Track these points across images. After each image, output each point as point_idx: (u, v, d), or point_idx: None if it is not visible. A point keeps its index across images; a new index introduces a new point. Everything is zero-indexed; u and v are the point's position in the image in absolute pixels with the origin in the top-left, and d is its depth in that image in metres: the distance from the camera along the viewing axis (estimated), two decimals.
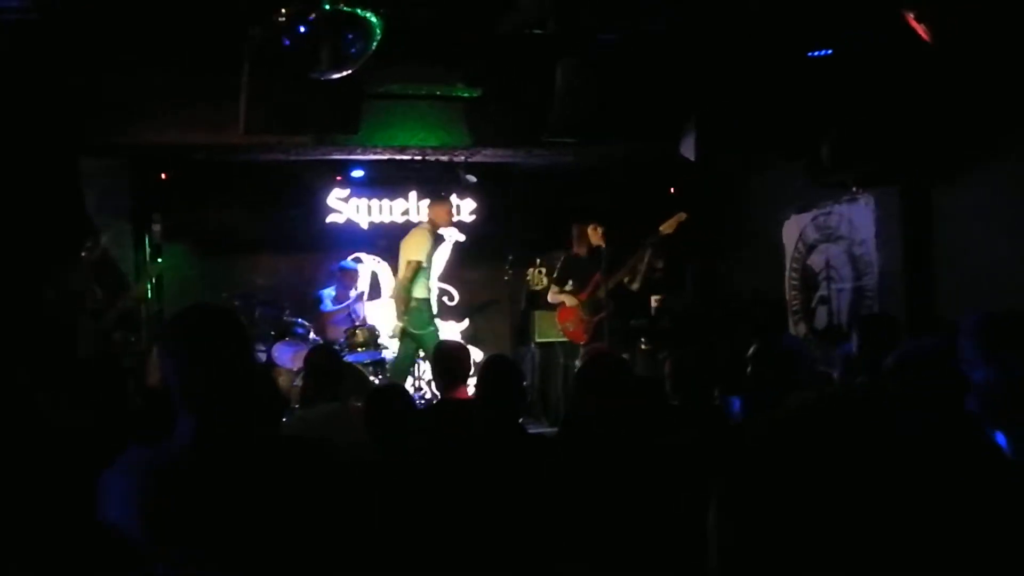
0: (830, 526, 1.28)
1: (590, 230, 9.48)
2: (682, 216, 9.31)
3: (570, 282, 9.60)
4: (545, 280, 11.21)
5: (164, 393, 2.66)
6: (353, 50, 6.27)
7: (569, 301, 9.54)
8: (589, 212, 9.70)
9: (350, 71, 6.45)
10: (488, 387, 4.73)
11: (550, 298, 9.86)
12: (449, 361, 5.93)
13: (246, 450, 2.52)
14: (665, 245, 9.59)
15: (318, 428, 5.15)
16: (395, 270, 11.54)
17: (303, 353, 9.54)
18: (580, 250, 9.64)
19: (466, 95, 8.56)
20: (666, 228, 9.32)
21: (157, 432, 2.54)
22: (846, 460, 1.34)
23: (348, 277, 10.63)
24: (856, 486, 1.35)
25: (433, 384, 7.43)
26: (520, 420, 4.84)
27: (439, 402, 6.72)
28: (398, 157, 9.38)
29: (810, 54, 7.37)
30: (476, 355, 10.23)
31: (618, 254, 9.27)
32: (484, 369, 4.93)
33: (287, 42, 6.18)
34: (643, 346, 10.19)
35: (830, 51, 7.32)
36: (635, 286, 9.54)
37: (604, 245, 9.38)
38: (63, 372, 5.07)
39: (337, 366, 5.76)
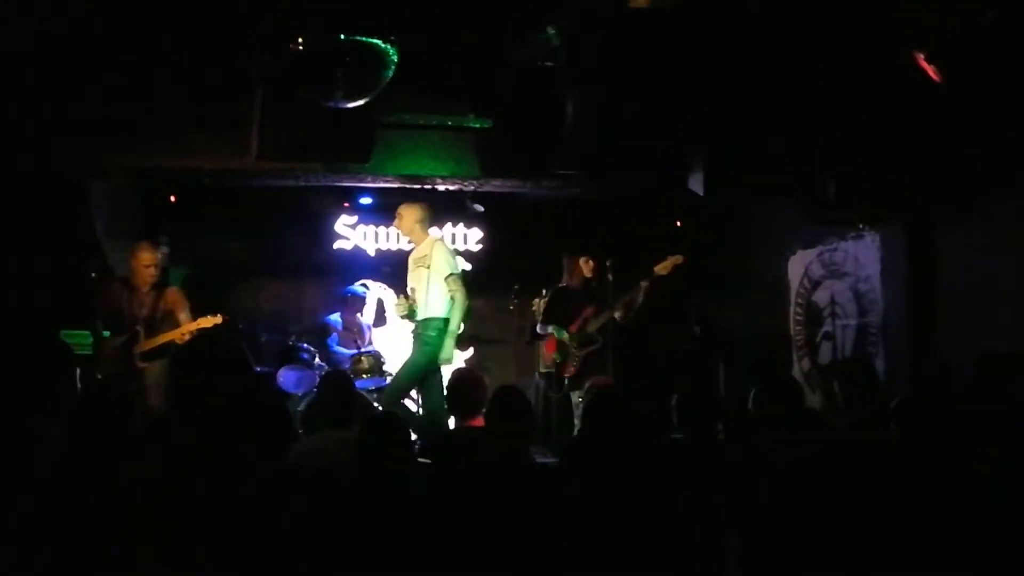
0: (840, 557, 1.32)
1: (581, 262, 9.46)
2: (679, 259, 9.17)
3: (558, 315, 9.53)
4: None
5: (164, 417, 2.71)
6: (368, 80, 6.34)
7: (558, 334, 9.49)
8: (592, 245, 9.71)
9: (365, 100, 6.52)
10: (497, 418, 4.74)
11: (538, 329, 9.80)
12: (466, 391, 5.97)
13: (243, 476, 2.56)
14: (660, 283, 9.48)
15: (328, 454, 5.17)
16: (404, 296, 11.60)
17: (308, 378, 9.60)
18: (571, 282, 9.58)
19: (476, 126, 8.61)
20: (661, 269, 9.18)
21: (155, 453, 2.58)
22: (863, 505, 1.38)
23: (355, 303, 10.65)
24: (873, 529, 1.39)
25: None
26: (528, 451, 4.86)
27: (453, 430, 6.77)
28: (407, 186, 9.41)
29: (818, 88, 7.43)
30: None
31: (614, 288, 9.21)
32: (493, 400, 4.95)
33: (302, 71, 6.25)
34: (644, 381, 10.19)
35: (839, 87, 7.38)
36: (626, 321, 9.38)
37: (594, 278, 9.38)
38: (67, 395, 5.11)
39: (348, 392, 5.79)
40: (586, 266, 9.44)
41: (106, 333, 7.86)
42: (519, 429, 4.64)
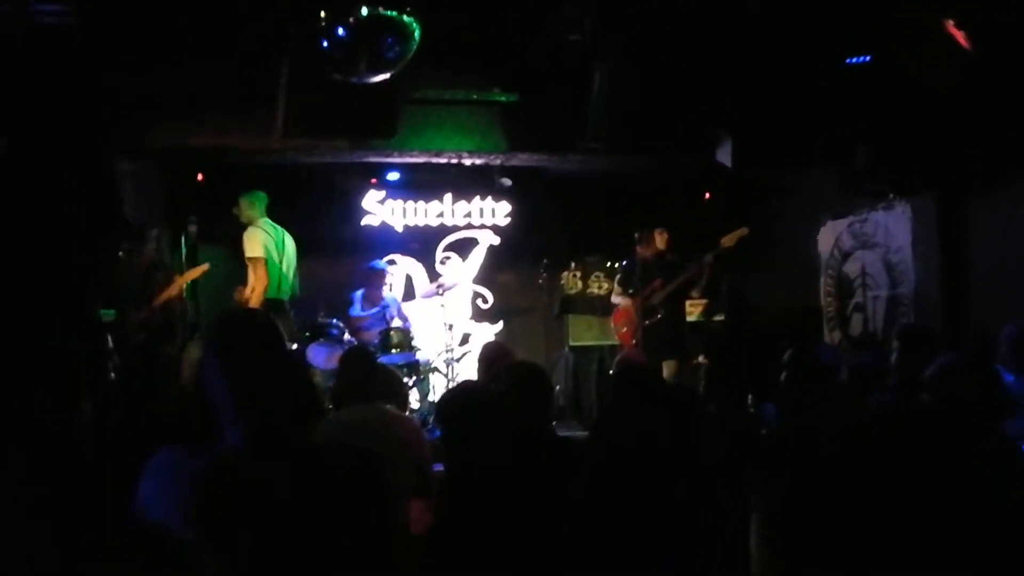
0: (874, 540, 1.29)
1: (656, 235, 9.50)
2: (744, 231, 9.23)
3: (631, 286, 9.59)
4: (580, 284, 11.22)
5: (198, 395, 2.67)
6: (391, 54, 6.32)
7: (625, 303, 9.56)
8: (622, 217, 9.70)
9: (389, 75, 6.49)
10: (516, 393, 4.68)
11: (613, 298, 9.89)
12: (496, 361, 6.02)
13: (295, 457, 2.53)
14: (724, 258, 9.54)
15: (349, 430, 5.16)
16: (430, 272, 11.64)
17: (337, 354, 9.57)
18: (646, 254, 9.59)
19: (503, 100, 8.57)
20: (727, 242, 9.27)
21: (191, 433, 2.55)
22: (891, 474, 1.35)
23: (376, 277, 10.57)
24: (898, 499, 1.35)
25: None
26: (552, 424, 4.80)
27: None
28: (434, 160, 9.40)
29: (848, 61, 7.34)
30: None
31: (679, 263, 9.31)
32: (509, 376, 4.89)
33: (326, 46, 6.23)
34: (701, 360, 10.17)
35: (868, 58, 7.28)
36: (694, 294, 9.54)
37: (668, 251, 9.44)
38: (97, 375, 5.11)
39: (370, 368, 5.75)
40: (660, 238, 9.48)
41: (109, 312, 7.99)
42: (538, 404, 4.53)
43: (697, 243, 9.48)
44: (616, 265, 10.26)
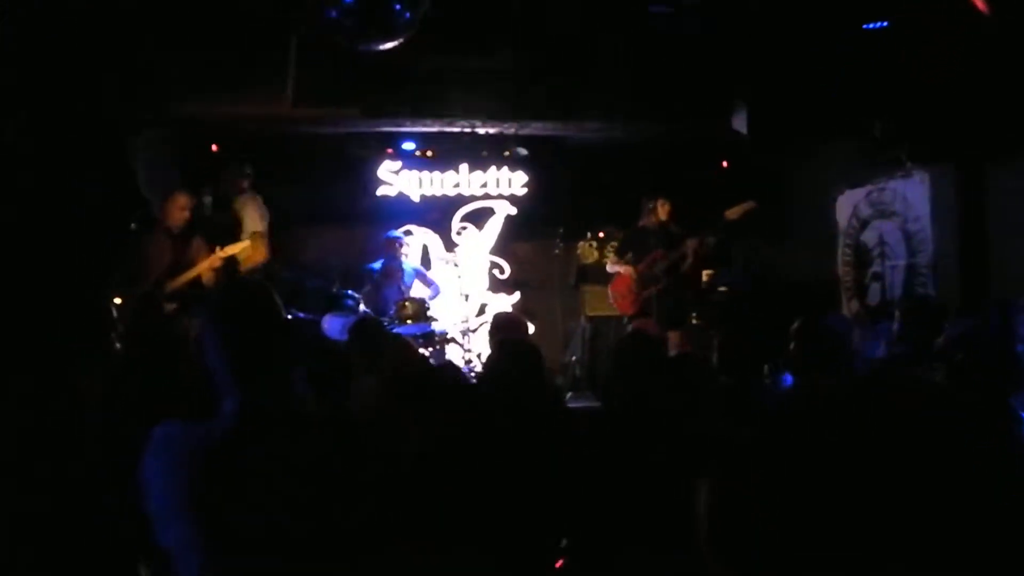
0: (828, 517, 1.24)
1: (658, 205, 9.42)
2: (750, 205, 9.15)
3: (630, 254, 9.54)
4: (596, 254, 11.18)
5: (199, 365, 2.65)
6: (400, 20, 6.25)
7: (624, 271, 9.49)
8: (639, 186, 9.64)
9: (398, 42, 6.43)
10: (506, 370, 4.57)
11: (608, 267, 9.82)
12: (507, 332, 6.03)
13: (292, 431, 2.51)
14: (728, 230, 9.48)
15: (358, 400, 5.15)
16: (446, 242, 11.60)
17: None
18: (648, 223, 9.53)
19: (514, 68, 8.49)
20: (732, 214, 9.18)
21: (205, 408, 2.54)
22: (858, 449, 1.30)
23: (389, 246, 10.53)
24: (863, 474, 1.31)
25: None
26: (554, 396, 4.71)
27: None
28: (447, 130, 9.34)
29: (865, 27, 7.24)
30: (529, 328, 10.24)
31: (681, 234, 9.23)
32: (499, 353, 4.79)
33: (334, 13, 6.17)
34: (694, 321, 10.12)
35: (885, 23, 7.18)
36: (685, 266, 9.43)
37: (669, 221, 9.36)
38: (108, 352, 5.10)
39: (375, 340, 5.73)
40: (663, 208, 9.40)
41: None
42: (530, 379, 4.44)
43: (713, 212, 9.39)
44: None
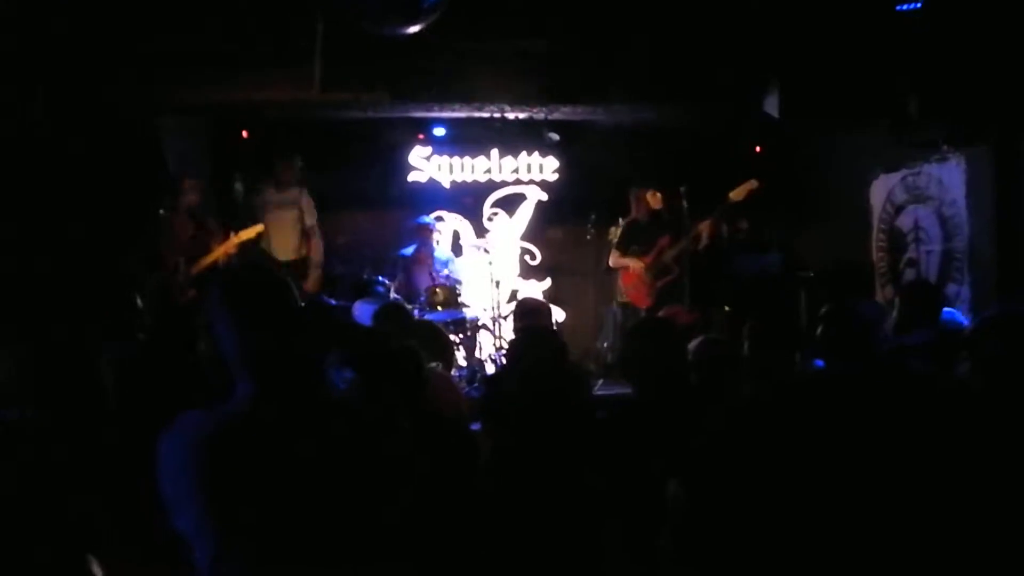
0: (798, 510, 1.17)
1: (648, 195, 9.33)
2: (753, 184, 9.07)
3: (634, 247, 9.44)
4: None
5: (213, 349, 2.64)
6: (425, 4, 6.22)
7: (634, 265, 9.39)
8: (662, 174, 9.57)
9: (424, 25, 6.40)
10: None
11: (611, 263, 9.72)
12: (531, 318, 6.03)
13: (304, 416, 2.49)
14: (737, 211, 9.37)
15: None
16: (478, 229, 11.56)
17: None
18: (639, 215, 9.46)
19: (544, 51, 8.41)
20: (735, 195, 9.11)
21: (221, 394, 2.53)
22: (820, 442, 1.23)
23: (419, 232, 10.51)
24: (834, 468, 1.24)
25: None
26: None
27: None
28: (476, 114, 9.30)
29: (899, 8, 7.13)
30: (560, 315, 10.20)
31: (689, 217, 9.09)
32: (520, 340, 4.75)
33: None
34: (726, 308, 10.03)
35: (919, 4, 7.07)
36: (699, 250, 9.27)
37: (665, 209, 9.25)
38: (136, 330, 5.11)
39: (398, 327, 5.69)
40: (653, 198, 9.32)
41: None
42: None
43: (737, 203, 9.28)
44: None
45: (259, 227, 9.08)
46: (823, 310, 4.84)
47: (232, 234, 8.64)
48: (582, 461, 3.61)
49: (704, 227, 9.18)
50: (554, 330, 4.95)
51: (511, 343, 4.63)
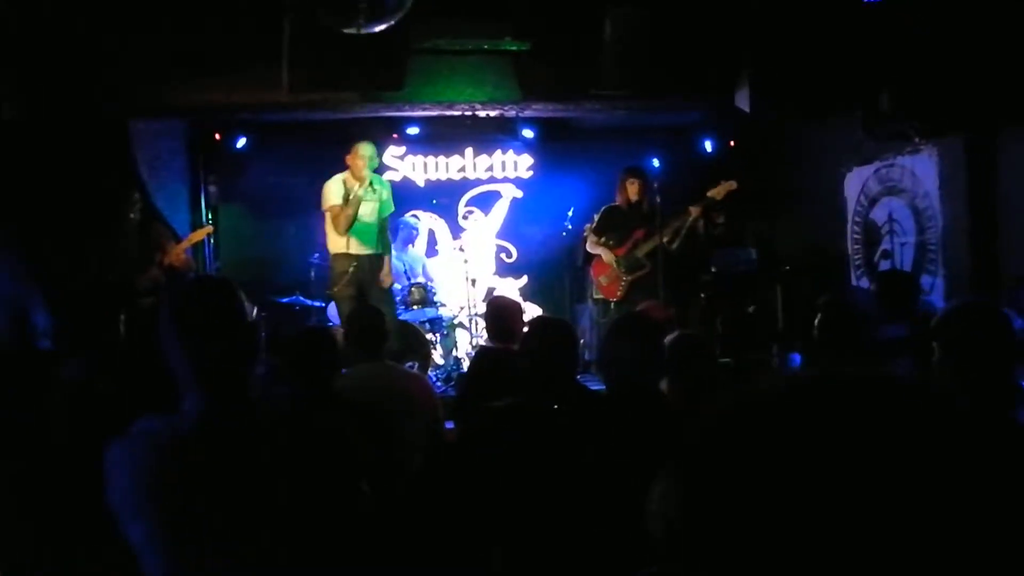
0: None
1: (627, 183, 9.23)
2: (732, 185, 9.03)
3: (609, 236, 9.33)
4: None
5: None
6: (391, 2, 6.16)
7: (606, 256, 9.27)
8: (640, 167, 9.52)
9: (390, 23, 6.34)
10: (539, 349, 4.43)
11: (588, 247, 9.60)
12: (501, 317, 6.02)
13: (252, 425, 2.49)
14: (713, 206, 9.33)
15: (358, 389, 5.10)
16: (453, 227, 11.53)
17: None
18: (621, 201, 9.37)
19: (514, 48, 8.37)
20: (714, 194, 9.07)
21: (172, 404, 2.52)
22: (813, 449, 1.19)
23: (405, 234, 10.49)
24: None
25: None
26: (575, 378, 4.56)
27: (482, 348, 6.78)
28: (447, 113, 9.24)
29: (865, 1, 7.12)
30: (535, 311, 10.16)
31: (663, 213, 9.00)
32: (532, 331, 4.69)
33: None
34: (702, 296, 10.01)
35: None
36: (673, 247, 9.17)
37: (641, 200, 9.17)
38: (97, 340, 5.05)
39: (377, 325, 5.66)
40: (631, 187, 9.20)
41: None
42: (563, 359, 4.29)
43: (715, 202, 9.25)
44: None
45: (208, 228, 9.14)
46: (821, 300, 4.77)
47: (174, 242, 8.66)
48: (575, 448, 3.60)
49: (680, 222, 9.07)
50: (567, 321, 4.94)
51: (527, 333, 4.54)
